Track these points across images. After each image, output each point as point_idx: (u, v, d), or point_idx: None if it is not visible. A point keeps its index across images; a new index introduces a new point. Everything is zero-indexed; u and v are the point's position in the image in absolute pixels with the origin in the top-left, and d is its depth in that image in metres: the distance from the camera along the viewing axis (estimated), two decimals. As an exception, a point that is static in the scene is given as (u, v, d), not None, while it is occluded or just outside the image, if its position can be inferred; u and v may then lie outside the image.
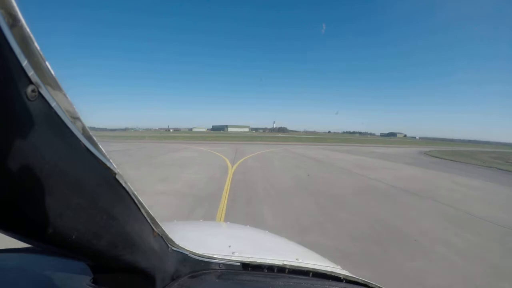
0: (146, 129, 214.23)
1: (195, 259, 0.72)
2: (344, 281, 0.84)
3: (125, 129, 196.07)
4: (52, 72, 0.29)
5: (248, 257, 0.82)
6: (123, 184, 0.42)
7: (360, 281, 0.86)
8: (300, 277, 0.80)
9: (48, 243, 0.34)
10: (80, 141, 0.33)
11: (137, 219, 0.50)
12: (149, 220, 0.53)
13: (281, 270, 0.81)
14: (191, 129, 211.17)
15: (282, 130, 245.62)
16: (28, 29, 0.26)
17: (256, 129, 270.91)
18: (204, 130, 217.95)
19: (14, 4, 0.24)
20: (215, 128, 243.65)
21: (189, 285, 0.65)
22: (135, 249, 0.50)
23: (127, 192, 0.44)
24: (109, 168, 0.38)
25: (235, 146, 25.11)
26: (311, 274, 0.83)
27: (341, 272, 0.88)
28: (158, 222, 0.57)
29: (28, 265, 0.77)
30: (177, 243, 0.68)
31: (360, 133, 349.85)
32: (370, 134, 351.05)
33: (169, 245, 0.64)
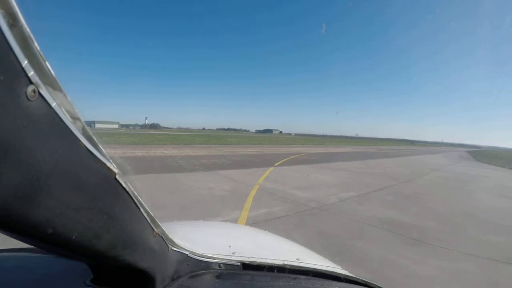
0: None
1: (195, 259, 0.72)
2: (344, 281, 0.84)
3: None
4: (53, 72, 0.29)
5: (248, 257, 0.82)
6: (123, 184, 0.42)
7: (360, 281, 0.86)
8: (300, 277, 0.80)
9: (48, 243, 0.34)
10: (80, 141, 0.33)
11: (137, 219, 0.50)
12: (149, 220, 0.53)
13: (281, 270, 0.81)
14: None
15: (154, 126, 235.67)
16: (28, 29, 0.26)
17: (127, 126, 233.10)
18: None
19: (14, 4, 0.24)
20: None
21: (189, 285, 0.65)
22: (135, 249, 0.50)
23: (127, 192, 0.44)
24: (109, 168, 0.39)
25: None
26: (311, 274, 0.83)
27: (341, 272, 0.88)
28: (158, 222, 0.57)
29: (28, 265, 0.76)
30: (177, 243, 0.68)
31: (234, 129, 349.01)
32: (245, 130, 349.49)
33: (169, 245, 0.64)
